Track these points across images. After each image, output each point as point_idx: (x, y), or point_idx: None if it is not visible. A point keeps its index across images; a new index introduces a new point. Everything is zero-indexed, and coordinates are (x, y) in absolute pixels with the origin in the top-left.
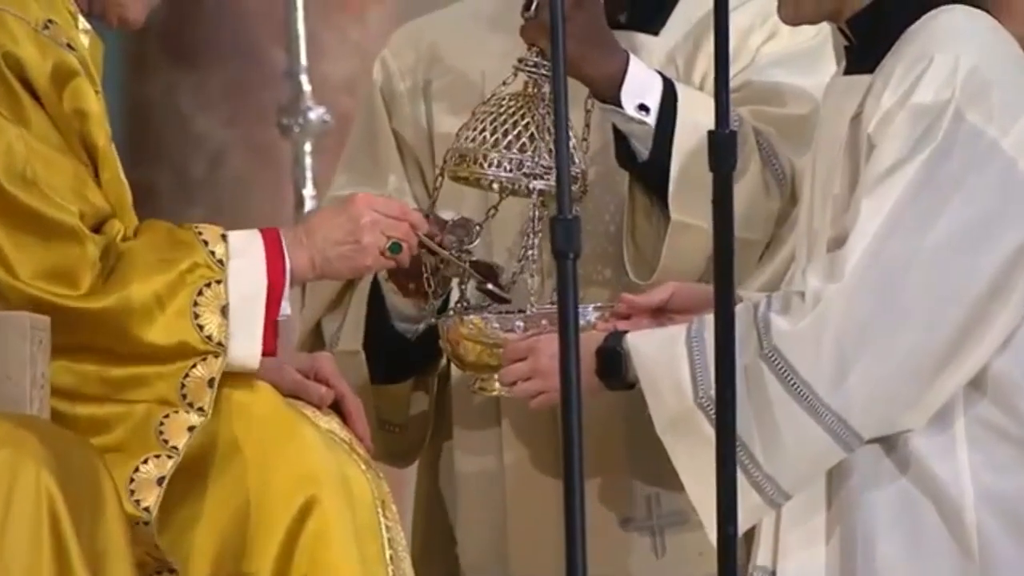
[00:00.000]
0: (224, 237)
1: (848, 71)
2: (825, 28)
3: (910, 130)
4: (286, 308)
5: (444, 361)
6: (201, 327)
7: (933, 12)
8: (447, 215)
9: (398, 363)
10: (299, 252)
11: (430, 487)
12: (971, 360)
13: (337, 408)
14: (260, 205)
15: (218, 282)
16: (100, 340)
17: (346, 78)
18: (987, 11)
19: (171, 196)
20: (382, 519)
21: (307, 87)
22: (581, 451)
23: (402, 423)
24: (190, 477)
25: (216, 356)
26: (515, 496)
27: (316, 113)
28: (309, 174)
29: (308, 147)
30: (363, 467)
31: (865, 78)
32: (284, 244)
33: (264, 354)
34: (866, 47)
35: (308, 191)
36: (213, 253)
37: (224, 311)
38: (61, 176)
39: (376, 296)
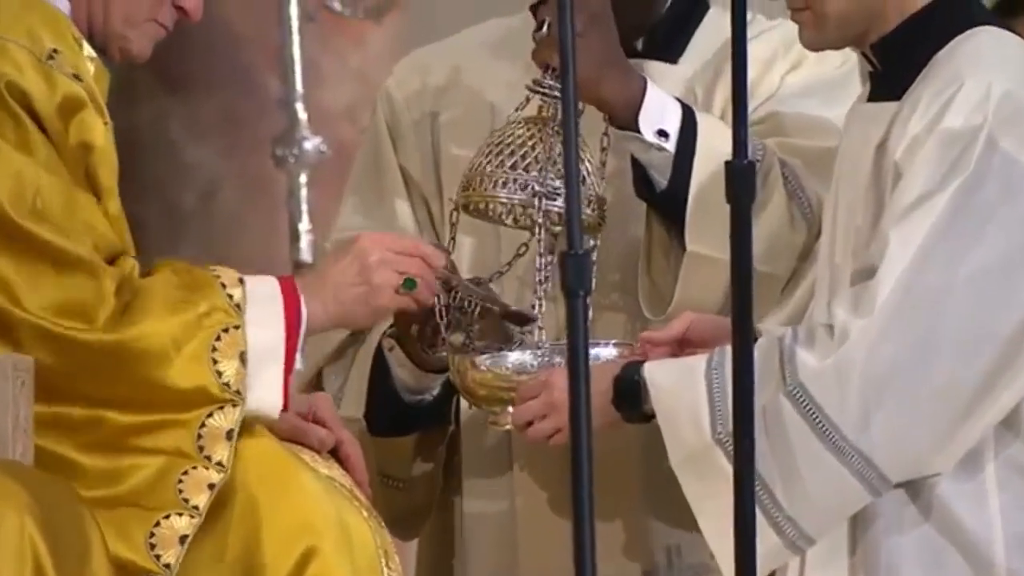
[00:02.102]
0: (241, 281)
1: (872, 98)
2: (852, 57)
3: (940, 157)
4: (298, 361)
5: (453, 426)
6: (220, 373)
7: (962, 35)
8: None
9: (402, 424)
10: (312, 300)
11: (435, 553)
12: (1003, 398)
13: (334, 453)
14: (253, 240)
15: (236, 327)
16: (113, 379)
17: (345, 106)
18: (1018, 33)
19: (160, 230)
20: (385, 569)
21: (303, 116)
22: (591, 492)
23: (406, 478)
24: None
25: (234, 405)
26: (527, 541)
27: (312, 143)
28: (305, 207)
29: (304, 179)
30: (365, 514)
31: (891, 105)
32: (299, 292)
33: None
34: (892, 73)
35: (304, 225)
36: (231, 297)
37: (243, 358)
38: (71, 207)
39: (380, 363)
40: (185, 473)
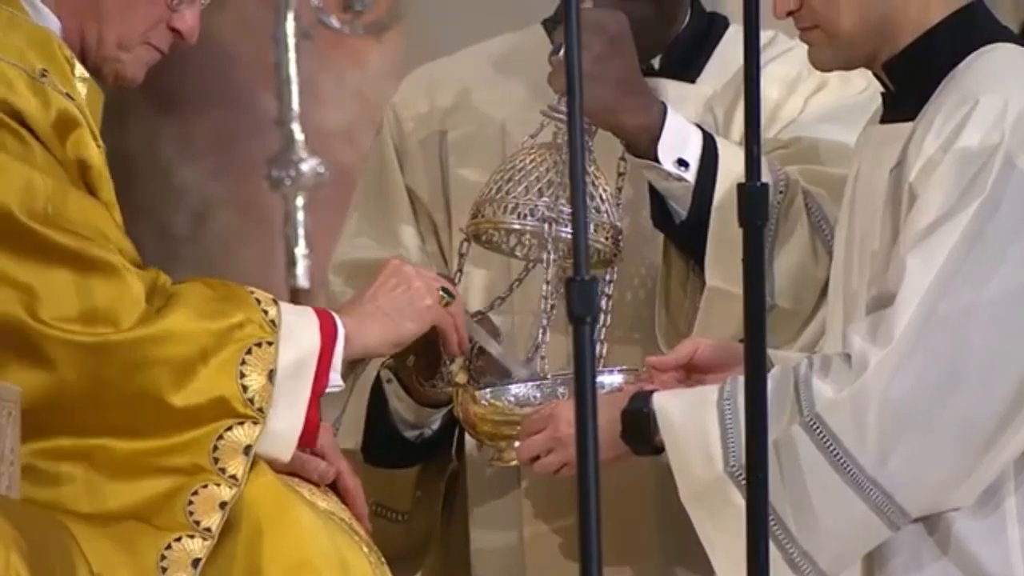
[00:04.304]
0: (275, 301)
1: (885, 119)
2: (876, 80)
3: (956, 178)
4: (336, 379)
5: (454, 463)
6: (245, 388)
7: (977, 52)
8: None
9: (401, 457)
10: (349, 319)
11: None
12: None
13: (333, 485)
14: (248, 265)
15: (269, 343)
16: (133, 395)
17: (343, 126)
18: None
19: (152, 254)
20: None
21: (299, 136)
22: (599, 526)
23: (405, 510)
24: None
25: (255, 423)
26: (536, 573)
27: (309, 164)
28: (302, 231)
29: (300, 201)
30: (365, 550)
31: (905, 126)
32: (334, 314)
33: (307, 430)
34: (905, 93)
35: (300, 250)
36: (266, 313)
37: (271, 376)
38: (87, 214)
39: (378, 395)
40: (195, 493)
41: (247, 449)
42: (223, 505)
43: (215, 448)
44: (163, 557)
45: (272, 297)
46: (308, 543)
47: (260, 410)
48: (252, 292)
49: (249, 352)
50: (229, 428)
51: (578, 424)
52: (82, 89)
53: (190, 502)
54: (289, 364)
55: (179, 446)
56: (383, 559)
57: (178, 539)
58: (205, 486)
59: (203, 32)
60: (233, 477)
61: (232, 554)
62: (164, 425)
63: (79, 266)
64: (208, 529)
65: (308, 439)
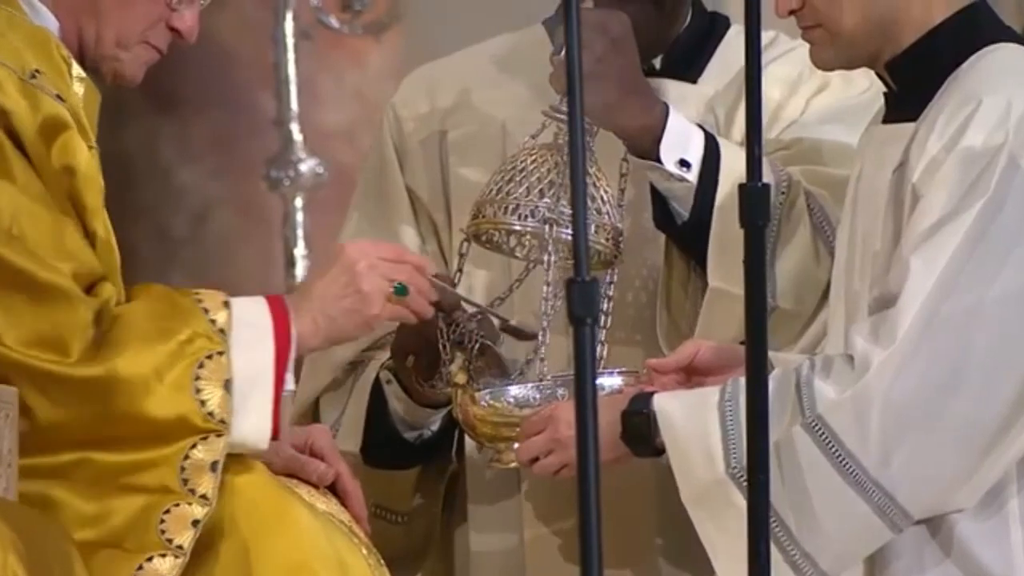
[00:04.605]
0: (227, 304)
1: (888, 119)
2: (878, 81)
3: (959, 178)
4: (290, 383)
5: (454, 464)
6: (203, 402)
7: (980, 52)
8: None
9: (402, 458)
10: (301, 317)
11: None
12: None
13: (332, 487)
14: (247, 266)
15: (220, 353)
16: (94, 414)
17: (343, 126)
18: None
19: (151, 256)
20: None
21: (298, 136)
22: (599, 528)
23: (406, 512)
24: None
25: (218, 435)
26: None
27: (308, 165)
28: (301, 232)
29: (299, 202)
30: (364, 552)
31: (908, 126)
32: (288, 312)
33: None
34: (908, 93)
35: (300, 250)
36: (214, 322)
37: (227, 386)
38: (51, 234)
39: (378, 396)
40: (167, 512)
41: (214, 465)
42: (195, 523)
43: (183, 469)
44: None
45: (223, 299)
46: (307, 545)
47: (222, 421)
48: (200, 300)
49: (201, 366)
50: (194, 446)
51: (578, 425)
52: (79, 89)
53: (162, 520)
54: (246, 371)
55: (153, 460)
56: (382, 561)
57: (149, 559)
58: (177, 505)
59: (202, 32)
60: (204, 497)
61: (230, 556)
62: (137, 435)
63: (33, 290)
64: (180, 547)
65: (272, 433)
